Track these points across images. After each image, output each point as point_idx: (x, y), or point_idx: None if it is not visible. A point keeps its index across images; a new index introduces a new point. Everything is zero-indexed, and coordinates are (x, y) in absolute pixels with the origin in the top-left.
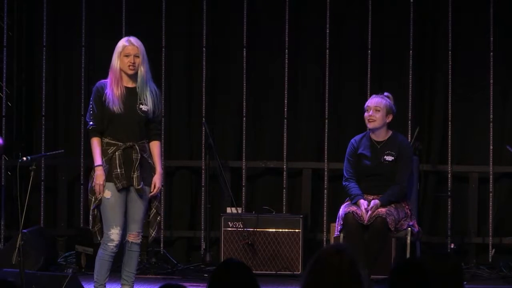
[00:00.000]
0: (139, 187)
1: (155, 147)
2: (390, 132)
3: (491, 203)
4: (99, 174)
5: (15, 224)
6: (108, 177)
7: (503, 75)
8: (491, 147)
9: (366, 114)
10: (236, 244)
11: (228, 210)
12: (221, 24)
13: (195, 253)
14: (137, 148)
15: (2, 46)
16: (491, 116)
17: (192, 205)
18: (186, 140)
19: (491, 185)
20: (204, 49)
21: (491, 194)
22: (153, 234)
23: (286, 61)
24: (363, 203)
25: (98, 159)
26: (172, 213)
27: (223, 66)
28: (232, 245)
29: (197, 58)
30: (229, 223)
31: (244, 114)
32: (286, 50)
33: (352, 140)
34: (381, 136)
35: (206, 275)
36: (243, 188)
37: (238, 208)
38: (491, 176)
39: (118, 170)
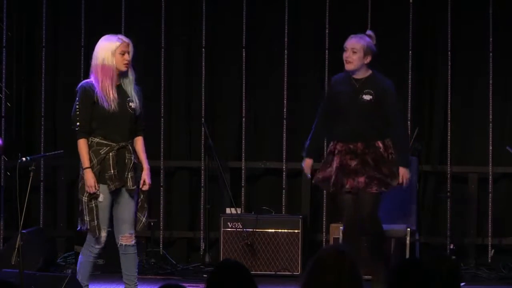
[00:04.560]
0: (133, 187)
1: (139, 142)
2: (370, 71)
3: (490, 204)
4: (89, 177)
5: (14, 225)
6: (101, 179)
7: (503, 76)
8: (491, 148)
9: (343, 54)
10: (236, 244)
11: (228, 210)
12: (220, 24)
13: (195, 253)
14: (130, 148)
15: (1, 46)
16: (491, 116)
17: (191, 205)
18: (186, 140)
19: (490, 186)
20: (203, 49)
21: (490, 194)
22: (143, 220)
23: (286, 62)
24: (306, 164)
25: (86, 161)
26: (172, 214)
27: (222, 67)
28: (232, 245)
29: (196, 58)
30: (229, 223)
31: (244, 115)
32: (285, 51)
33: (332, 78)
34: (360, 75)
35: (206, 275)
36: (243, 189)
37: (237, 208)
38: (490, 177)
39: (112, 171)
